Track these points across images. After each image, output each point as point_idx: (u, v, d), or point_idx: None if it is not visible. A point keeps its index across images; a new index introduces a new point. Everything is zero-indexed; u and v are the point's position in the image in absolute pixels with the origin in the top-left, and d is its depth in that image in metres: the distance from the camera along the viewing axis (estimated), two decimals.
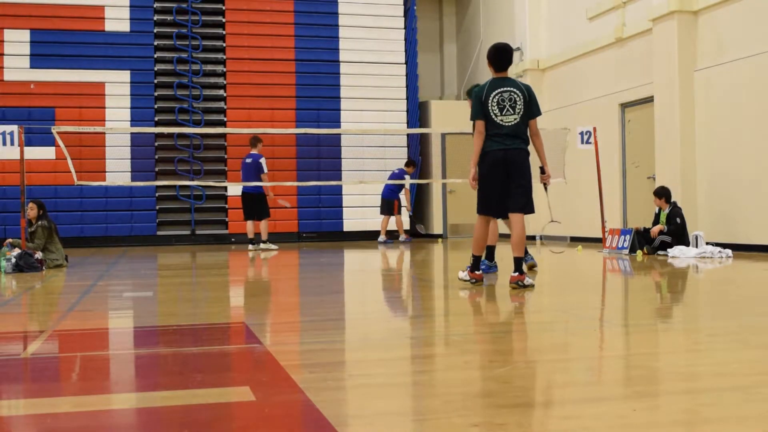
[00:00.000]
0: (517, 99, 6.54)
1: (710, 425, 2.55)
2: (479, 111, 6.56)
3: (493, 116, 6.51)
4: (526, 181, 6.57)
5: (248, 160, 13.76)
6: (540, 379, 3.32)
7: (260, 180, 13.49)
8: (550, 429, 2.53)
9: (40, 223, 9.99)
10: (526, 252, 7.95)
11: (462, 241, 15.59)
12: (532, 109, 6.60)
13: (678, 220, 10.77)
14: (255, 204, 13.76)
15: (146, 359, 4.00)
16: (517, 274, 6.46)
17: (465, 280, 6.83)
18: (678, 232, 10.73)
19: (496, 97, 6.52)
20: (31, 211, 10.12)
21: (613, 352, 4.03)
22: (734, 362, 3.58)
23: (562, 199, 15.56)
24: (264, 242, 13.84)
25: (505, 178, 6.53)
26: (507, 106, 6.51)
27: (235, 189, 16.52)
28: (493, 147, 6.51)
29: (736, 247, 10.73)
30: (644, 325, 4.93)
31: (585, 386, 3.22)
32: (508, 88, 6.56)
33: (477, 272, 6.78)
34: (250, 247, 13.86)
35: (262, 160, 13.70)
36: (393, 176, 15.83)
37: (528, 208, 6.59)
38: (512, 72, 17.04)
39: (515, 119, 6.52)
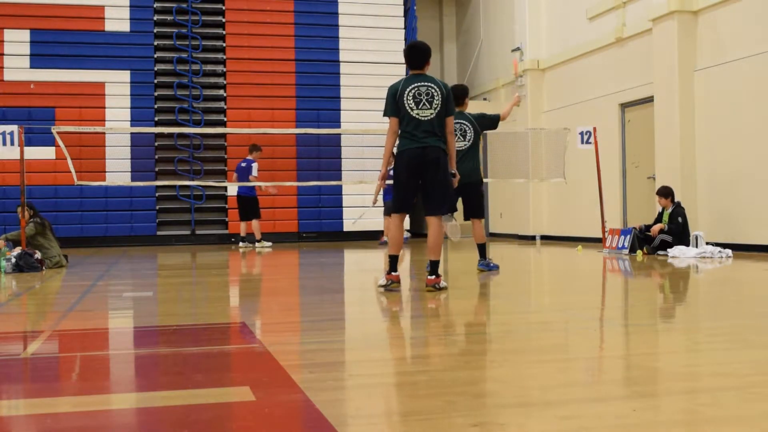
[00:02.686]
0: (435, 94, 6.40)
1: (710, 425, 2.55)
2: (393, 108, 6.42)
3: (409, 110, 6.34)
4: (444, 180, 6.41)
5: (243, 164, 14.41)
6: (540, 379, 3.32)
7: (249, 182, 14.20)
8: (550, 429, 2.53)
9: (32, 220, 10.05)
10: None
11: (463, 241, 15.59)
12: (448, 106, 6.46)
13: (680, 219, 10.76)
14: (246, 206, 14.52)
15: (146, 359, 4.00)
16: (433, 277, 6.45)
17: (381, 285, 6.54)
18: (678, 231, 10.72)
19: (413, 90, 6.39)
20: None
21: (613, 352, 4.03)
22: (734, 362, 3.58)
23: (562, 199, 15.58)
24: (258, 241, 14.45)
25: (422, 177, 6.39)
26: (423, 100, 6.37)
27: (235, 189, 16.55)
28: (410, 145, 6.36)
29: (736, 247, 10.73)
30: (644, 325, 4.93)
31: (585, 386, 3.22)
32: (425, 83, 6.43)
33: (394, 273, 6.50)
34: (240, 244, 14.47)
35: (255, 165, 14.34)
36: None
37: (444, 209, 6.57)
38: (512, 72, 17.12)
39: (431, 114, 6.36)
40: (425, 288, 6.50)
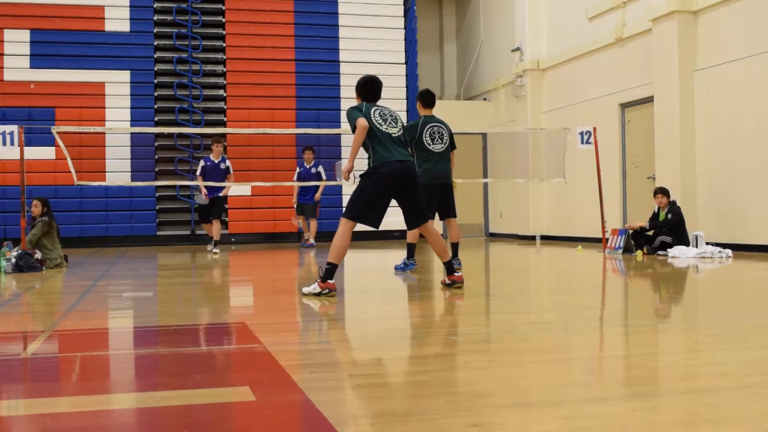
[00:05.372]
0: (397, 118, 6.65)
1: (710, 425, 2.55)
2: (360, 114, 6.40)
3: (378, 125, 6.42)
4: (420, 192, 6.64)
5: None
6: (540, 379, 3.32)
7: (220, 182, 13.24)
8: (550, 429, 2.53)
9: (41, 218, 9.99)
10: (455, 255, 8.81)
11: (465, 240, 15.58)
12: (406, 134, 6.74)
13: (669, 216, 10.79)
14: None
15: (146, 359, 4.00)
16: (459, 274, 6.78)
17: (314, 294, 6.26)
18: (668, 226, 10.72)
19: (377, 111, 6.52)
20: (35, 208, 10.09)
21: (613, 352, 4.04)
22: (734, 362, 3.58)
23: (563, 199, 15.58)
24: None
25: (403, 190, 6.47)
26: (390, 120, 6.54)
27: (235, 189, 16.54)
28: (391, 158, 6.35)
29: (736, 247, 10.73)
30: (644, 325, 4.93)
31: (585, 386, 3.22)
32: (386, 107, 6.68)
33: (331, 281, 6.29)
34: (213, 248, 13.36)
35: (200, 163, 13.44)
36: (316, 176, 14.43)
37: (429, 214, 6.85)
38: (512, 71, 17.12)
39: (398, 131, 6.54)
40: (455, 286, 6.69)
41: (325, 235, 16.96)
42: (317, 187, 14.47)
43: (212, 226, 13.34)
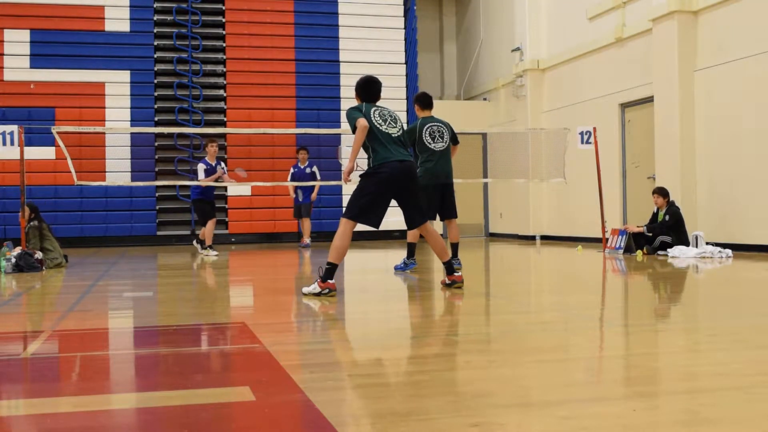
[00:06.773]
0: (396, 118, 6.67)
1: (710, 425, 2.55)
2: (360, 114, 6.41)
3: (378, 125, 6.42)
4: (420, 192, 6.71)
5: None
6: (540, 379, 3.32)
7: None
8: (550, 429, 2.53)
9: (30, 224, 10.04)
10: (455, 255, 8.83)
11: (465, 240, 15.56)
12: (405, 135, 6.74)
13: (667, 217, 10.79)
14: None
15: (146, 359, 4.00)
16: (459, 274, 6.77)
17: (315, 294, 6.25)
18: (667, 227, 10.73)
19: (377, 111, 6.53)
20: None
21: (613, 352, 4.04)
22: (734, 362, 3.58)
23: (562, 199, 15.58)
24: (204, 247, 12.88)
25: (403, 190, 6.47)
26: (389, 120, 6.55)
27: (235, 189, 16.55)
28: (390, 158, 6.36)
29: (736, 247, 10.73)
30: (644, 325, 4.93)
31: (585, 386, 3.22)
32: (386, 107, 6.70)
33: (331, 281, 6.29)
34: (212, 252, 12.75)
35: (198, 166, 12.88)
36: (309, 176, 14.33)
37: (426, 216, 6.79)
38: (512, 72, 17.12)
39: (398, 131, 6.56)
40: (455, 286, 6.67)
41: (325, 235, 16.98)
42: (312, 187, 14.46)
43: (210, 225, 12.90)
